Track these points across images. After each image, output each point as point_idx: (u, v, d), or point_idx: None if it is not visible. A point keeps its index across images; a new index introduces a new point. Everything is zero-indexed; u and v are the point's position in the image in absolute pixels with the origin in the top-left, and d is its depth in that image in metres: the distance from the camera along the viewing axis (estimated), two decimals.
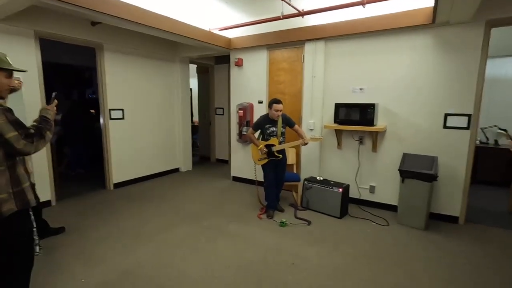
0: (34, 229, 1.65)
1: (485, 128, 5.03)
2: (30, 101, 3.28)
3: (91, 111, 6.32)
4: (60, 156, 5.10)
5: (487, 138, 5.07)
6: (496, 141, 4.99)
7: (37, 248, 1.67)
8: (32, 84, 3.48)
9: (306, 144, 3.39)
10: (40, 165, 3.63)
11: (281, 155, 3.42)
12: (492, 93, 4.95)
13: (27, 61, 3.42)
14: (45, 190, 3.69)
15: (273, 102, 3.36)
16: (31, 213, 1.62)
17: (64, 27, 3.71)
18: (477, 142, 5.02)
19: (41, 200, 3.27)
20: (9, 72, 1.54)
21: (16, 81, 1.59)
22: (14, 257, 1.55)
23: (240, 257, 2.62)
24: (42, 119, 1.57)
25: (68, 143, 5.47)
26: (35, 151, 1.47)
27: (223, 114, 6.50)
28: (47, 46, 3.95)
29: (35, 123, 1.55)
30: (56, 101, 1.70)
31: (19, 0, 2.63)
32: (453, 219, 3.37)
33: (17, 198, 1.47)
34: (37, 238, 1.68)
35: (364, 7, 3.33)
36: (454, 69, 3.19)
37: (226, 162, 6.46)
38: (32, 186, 1.68)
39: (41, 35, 3.56)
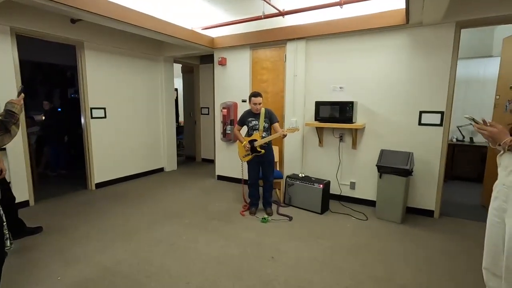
0: (5, 223, 1.63)
1: (461, 126, 5.23)
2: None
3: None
4: (39, 156, 4.98)
5: (463, 136, 5.27)
6: (471, 138, 5.19)
7: (8, 243, 1.64)
8: (8, 83, 3.40)
9: (285, 136, 3.33)
10: (17, 164, 3.54)
11: (263, 150, 3.43)
12: (467, 93, 5.15)
13: (2, 59, 3.34)
14: (22, 190, 3.60)
15: (251, 95, 3.44)
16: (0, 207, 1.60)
17: (42, 23, 3.64)
18: (454, 139, 5.22)
19: (18, 200, 3.20)
20: None
21: None
22: None
23: (221, 253, 2.64)
24: (7, 113, 1.54)
25: (49, 143, 5.35)
26: (1, 146, 1.45)
27: (208, 114, 6.50)
28: (27, 44, 3.86)
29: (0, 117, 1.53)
30: (22, 94, 1.68)
31: None
32: (428, 213, 3.49)
33: None
34: (7, 232, 1.65)
35: (341, 7, 3.42)
36: (428, 68, 3.32)
37: (211, 162, 6.45)
38: (6, 183, 1.65)
39: (18, 32, 3.49)
